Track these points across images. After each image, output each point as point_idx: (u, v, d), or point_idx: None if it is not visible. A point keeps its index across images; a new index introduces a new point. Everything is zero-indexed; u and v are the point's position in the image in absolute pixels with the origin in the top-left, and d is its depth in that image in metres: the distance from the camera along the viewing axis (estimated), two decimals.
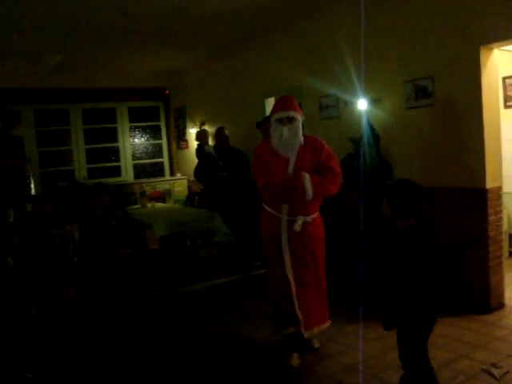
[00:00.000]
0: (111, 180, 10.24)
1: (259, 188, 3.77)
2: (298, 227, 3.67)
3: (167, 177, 11.09)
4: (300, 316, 3.74)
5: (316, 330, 3.85)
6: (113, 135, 10.84)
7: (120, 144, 10.91)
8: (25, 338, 4.24)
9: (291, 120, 3.69)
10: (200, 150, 7.34)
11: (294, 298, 3.73)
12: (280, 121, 3.71)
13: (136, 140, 11.19)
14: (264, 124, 4.88)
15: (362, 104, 5.33)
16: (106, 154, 10.79)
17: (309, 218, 3.74)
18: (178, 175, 10.79)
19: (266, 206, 3.84)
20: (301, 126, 3.79)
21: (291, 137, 3.69)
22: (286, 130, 3.68)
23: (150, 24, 6.38)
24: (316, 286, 3.84)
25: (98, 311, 4.98)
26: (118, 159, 10.91)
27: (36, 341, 4.23)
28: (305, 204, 3.69)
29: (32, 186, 9.19)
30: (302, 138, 3.75)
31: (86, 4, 5.39)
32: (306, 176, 3.59)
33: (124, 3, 5.47)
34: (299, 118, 3.75)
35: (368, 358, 3.73)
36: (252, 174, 4.07)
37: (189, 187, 10.04)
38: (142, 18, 6.04)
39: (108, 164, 10.79)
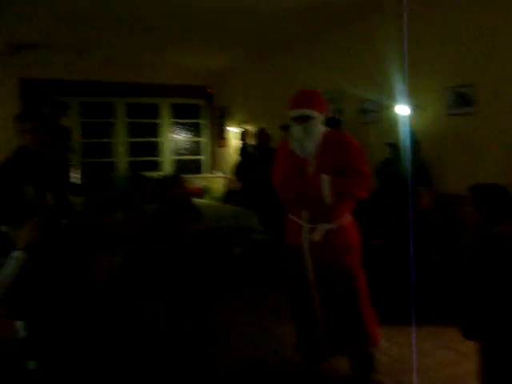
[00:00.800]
0: (151, 174, 10.41)
1: (275, 189, 3.51)
2: (317, 236, 3.27)
3: (206, 174, 11.23)
4: (324, 336, 3.42)
5: (349, 352, 3.44)
6: (155, 130, 11.03)
7: (161, 139, 11.10)
8: None
9: (306, 119, 3.31)
10: (243, 150, 7.52)
11: (318, 316, 3.40)
12: (295, 119, 3.36)
13: (177, 136, 11.36)
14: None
15: (402, 109, 5.34)
16: (147, 148, 10.98)
17: (333, 225, 3.30)
18: (217, 173, 10.92)
19: (289, 213, 3.51)
20: (319, 125, 3.38)
21: (305, 137, 3.33)
22: (299, 130, 3.35)
23: (197, 23, 6.52)
24: (349, 304, 3.35)
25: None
26: (158, 154, 11.09)
27: None
28: (327, 209, 3.27)
29: (75, 175, 9.43)
30: (319, 138, 3.35)
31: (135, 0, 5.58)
32: (325, 178, 3.24)
33: (174, 1, 5.62)
34: (317, 115, 3.34)
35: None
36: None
37: (226, 185, 10.16)
38: (190, 16, 6.19)
39: (148, 158, 10.97)
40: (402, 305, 4.08)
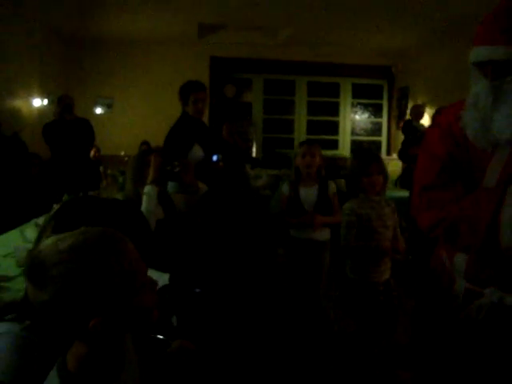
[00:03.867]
0: (328, 152, 10.56)
1: (413, 203, 1.91)
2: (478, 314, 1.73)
3: (383, 156, 11.09)
4: None
5: None
6: (334, 109, 11.13)
7: (340, 118, 11.16)
8: None
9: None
10: (407, 125, 7.29)
11: None
12: (485, 65, 1.67)
13: (356, 116, 11.34)
14: None
15: None
16: (325, 126, 11.13)
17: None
18: (394, 155, 10.73)
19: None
20: None
21: (503, 107, 1.62)
22: (489, 91, 1.66)
23: (381, 1, 6.46)
24: None
25: None
26: (336, 133, 11.18)
27: None
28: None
29: (254, 149, 9.94)
30: None
31: None
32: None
33: None
34: None
35: None
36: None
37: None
38: None
39: (326, 137, 11.10)
40: None
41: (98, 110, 9.39)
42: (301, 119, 10.88)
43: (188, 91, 4.51)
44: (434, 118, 6.97)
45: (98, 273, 1.06)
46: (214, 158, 4.53)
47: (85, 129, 6.60)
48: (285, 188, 4.07)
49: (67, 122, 6.42)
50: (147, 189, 3.01)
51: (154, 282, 1.20)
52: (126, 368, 1.23)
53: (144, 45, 9.13)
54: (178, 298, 2.27)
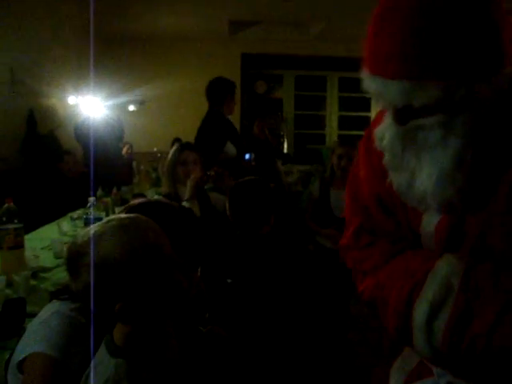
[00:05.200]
0: None
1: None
2: None
3: None
4: None
5: None
6: (366, 105, 11.06)
7: (372, 114, 11.08)
8: None
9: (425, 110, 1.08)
10: None
11: None
12: None
13: None
14: None
15: None
16: (357, 122, 11.07)
17: None
18: None
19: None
20: None
21: None
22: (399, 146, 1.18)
23: None
24: None
25: None
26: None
27: None
28: None
29: (285, 145, 9.95)
30: None
31: None
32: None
33: None
34: None
35: None
36: None
37: None
38: None
39: (359, 132, 11.02)
40: None
41: (131, 107, 9.49)
42: (332, 115, 10.84)
43: (225, 91, 4.53)
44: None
45: (122, 254, 1.11)
46: (247, 156, 4.57)
47: (115, 126, 6.71)
48: (315, 187, 3.90)
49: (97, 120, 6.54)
50: (184, 204, 2.96)
51: (185, 264, 1.25)
52: (168, 349, 1.29)
53: (176, 42, 9.20)
54: (209, 289, 2.31)
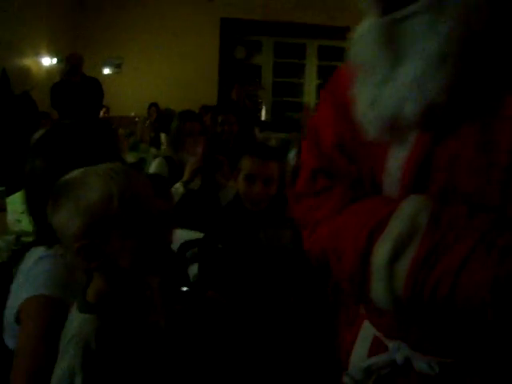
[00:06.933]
0: None
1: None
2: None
3: None
4: None
5: None
6: None
7: None
8: None
9: None
10: None
11: None
12: None
13: None
14: None
15: None
16: None
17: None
18: None
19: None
20: None
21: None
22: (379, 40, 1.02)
23: None
24: None
25: None
26: None
27: None
28: None
29: (263, 112, 9.91)
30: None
31: None
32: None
33: None
34: None
35: None
36: None
37: None
38: None
39: None
40: None
41: (107, 70, 9.31)
42: (311, 83, 10.78)
43: None
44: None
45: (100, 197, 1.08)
46: None
47: (93, 89, 6.52)
48: (291, 156, 3.91)
49: (74, 83, 6.34)
50: (177, 186, 3.02)
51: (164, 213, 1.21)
52: (152, 313, 1.24)
53: (154, 4, 9.01)
54: (201, 252, 2.32)
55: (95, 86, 6.54)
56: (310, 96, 10.77)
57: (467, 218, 0.93)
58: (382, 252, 0.96)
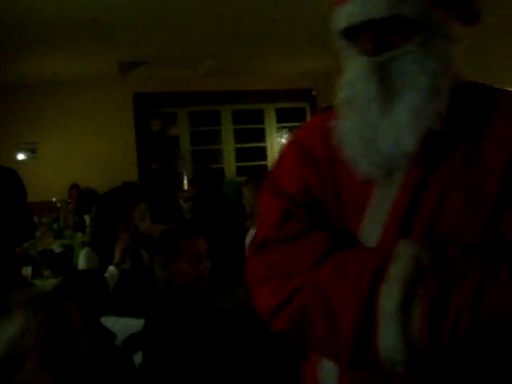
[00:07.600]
0: None
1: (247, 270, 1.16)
2: None
3: None
4: None
5: None
6: (261, 135, 11.25)
7: (267, 144, 11.29)
8: None
9: (401, 36, 1.01)
10: None
11: None
12: (361, 31, 1.05)
13: (283, 140, 11.48)
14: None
15: None
16: (254, 153, 11.21)
17: None
18: None
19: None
20: (451, 48, 1.04)
21: (389, 97, 1.01)
22: (370, 76, 1.03)
23: (295, 28, 6.68)
24: None
25: None
26: (265, 158, 11.28)
27: None
28: None
29: (185, 182, 9.90)
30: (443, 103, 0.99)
31: (234, 11, 5.82)
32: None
33: (270, 10, 5.81)
34: (438, 19, 1.00)
35: None
36: None
37: None
38: (287, 23, 6.35)
39: (256, 163, 11.16)
40: None
41: (21, 156, 9.07)
42: (229, 148, 10.93)
43: None
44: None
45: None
46: None
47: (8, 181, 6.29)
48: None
49: None
50: (111, 269, 2.99)
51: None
52: None
53: (66, 86, 8.92)
54: (146, 343, 2.27)
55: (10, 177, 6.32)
56: (229, 161, 10.91)
57: (462, 254, 0.94)
58: (391, 296, 0.92)
